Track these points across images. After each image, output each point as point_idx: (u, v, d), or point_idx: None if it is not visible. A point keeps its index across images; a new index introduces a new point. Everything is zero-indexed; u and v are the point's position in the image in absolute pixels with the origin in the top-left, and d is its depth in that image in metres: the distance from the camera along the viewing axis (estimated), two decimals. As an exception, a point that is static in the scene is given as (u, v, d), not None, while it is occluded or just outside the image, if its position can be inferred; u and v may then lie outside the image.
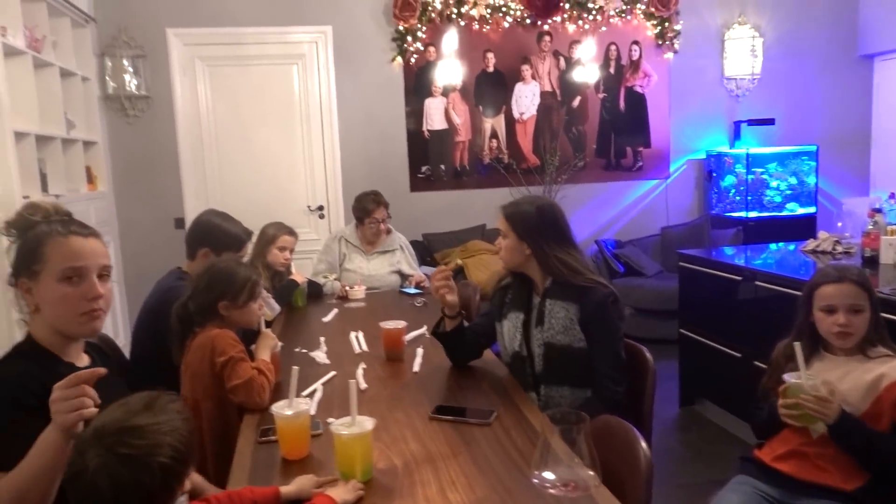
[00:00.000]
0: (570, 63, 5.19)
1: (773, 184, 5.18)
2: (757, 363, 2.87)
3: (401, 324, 2.28)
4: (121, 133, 4.74)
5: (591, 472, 1.11)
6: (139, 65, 4.66)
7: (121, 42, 4.62)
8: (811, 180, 5.22)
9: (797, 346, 1.70)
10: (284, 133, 4.94)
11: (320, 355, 2.29)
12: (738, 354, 3.10)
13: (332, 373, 2.10)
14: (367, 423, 1.40)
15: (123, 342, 3.66)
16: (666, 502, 2.65)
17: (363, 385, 1.97)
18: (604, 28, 5.16)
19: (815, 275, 1.87)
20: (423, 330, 2.55)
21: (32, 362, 1.31)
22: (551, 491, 1.12)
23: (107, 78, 4.62)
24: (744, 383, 2.99)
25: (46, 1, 3.80)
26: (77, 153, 4.17)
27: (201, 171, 4.88)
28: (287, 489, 1.33)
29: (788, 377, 1.70)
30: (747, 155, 5.06)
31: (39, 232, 1.36)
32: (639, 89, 5.30)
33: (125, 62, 4.62)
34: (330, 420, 1.73)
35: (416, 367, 2.15)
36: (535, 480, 1.13)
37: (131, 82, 4.66)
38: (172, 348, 1.96)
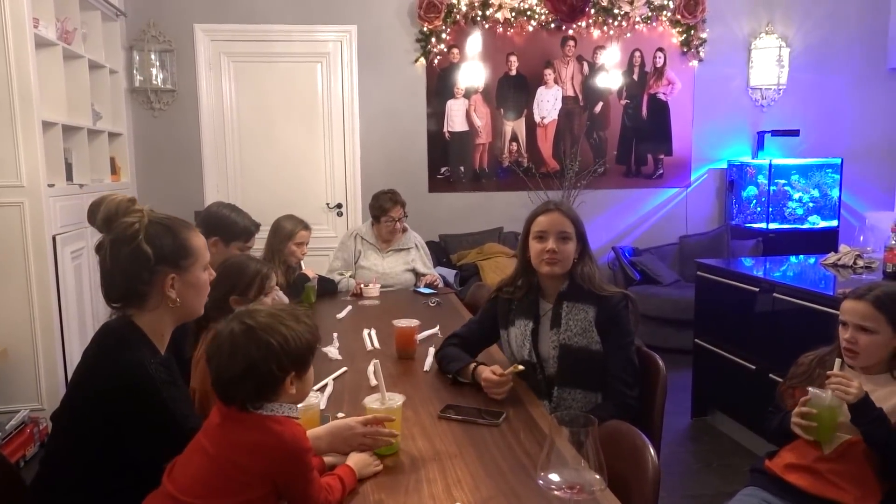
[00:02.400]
0: (594, 68, 5.18)
1: (796, 196, 5.12)
2: (772, 376, 2.83)
3: (413, 322, 2.29)
4: (145, 125, 4.80)
5: (598, 476, 1.11)
6: (166, 59, 4.73)
7: (149, 36, 4.69)
8: (834, 193, 5.16)
9: (837, 362, 1.71)
10: (306, 130, 4.98)
11: (332, 351, 2.30)
12: (754, 367, 3.06)
13: (344, 368, 2.12)
14: (397, 398, 1.53)
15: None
16: (674, 513, 2.63)
17: (374, 382, 1.99)
18: (629, 34, 5.14)
19: (853, 288, 1.86)
20: (436, 329, 2.56)
21: (150, 351, 1.36)
22: (556, 493, 1.12)
23: (134, 71, 4.70)
24: (758, 396, 2.96)
25: (78, -6, 3.88)
26: (102, 144, 4.24)
27: (223, 165, 4.93)
28: (328, 459, 1.42)
29: (812, 389, 1.68)
30: (770, 165, 5.01)
31: (172, 226, 1.41)
32: (662, 97, 5.27)
33: (152, 56, 4.69)
34: (340, 414, 1.75)
35: (426, 367, 2.16)
36: (541, 482, 1.13)
37: (158, 76, 4.73)
38: (185, 342, 1.98)
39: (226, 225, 2.54)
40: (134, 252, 1.35)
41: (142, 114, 4.79)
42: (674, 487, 2.83)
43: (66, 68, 3.71)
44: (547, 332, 1.99)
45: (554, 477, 1.12)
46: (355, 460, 1.39)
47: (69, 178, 3.71)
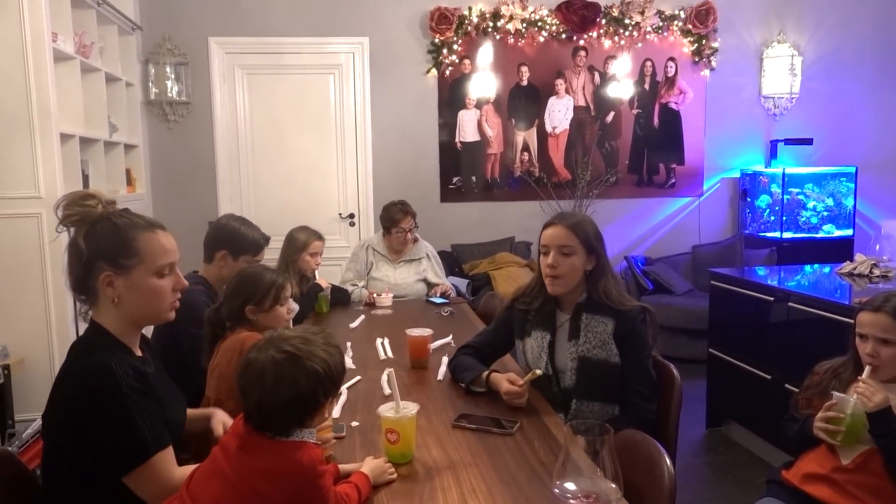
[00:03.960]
0: (605, 78, 5.18)
1: (810, 205, 5.09)
2: (788, 386, 2.81)
3: (427, 332, 2.29)
4: (161, 137, 4.86)
5: (613, 485, 1.11)
6: (181, 72, 4.79)
7: (164, 49, 4.75)
8: (849, 202, 5.12)
9: (868, 368, 1.70)
10: (319, 141, 5.02)
11: (346, 360, 2.30)
12: (769, 376, 3.04)
13: (357, 378, 2.13)
14: (411, 407, 1.53)
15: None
16: (690, 524, 2.61)
17: (387, 391, 1.99)
18: (640, 44, 5.14)
19: (867, 299, 1.84)
20: (449, 339, 2.56)
21: (119, 355, 1.34)
22: (572, 502, 1.11)
23: (150, 84, 4.76)
24: (773, 406, 2.93)
25: (96, 9, 3.94)
26: (118, 156, 4.29)
27: (237, 176, 4.97)
28: (344, 466, 1.42)
29: (837, 393, 1.67)
30: (783, 174, 4.98)
31: (122, 225, 1.37)
32: (674, 106, 5.27)
33: (168, 69, 4.75)
34: (354, 423, 1.76)
35: (440, 376, 2.16)
36: (556, 491, 1.13)
37: (173, 88, 4.78)
38: (198, 351, 2.00)
39: (235, 238, 2.54)
40: (72, 245, 1.37)
41: (157, 126, 4.85)
42: (689, 499, 2.80)
43: (84, 81, 3.77)
44: (564, 344, 1.97)
45: (569, 486, 1.12)
46: (370, 467, 1.39)
47: (86, 188, 3.76)
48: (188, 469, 1.28)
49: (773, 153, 5.26)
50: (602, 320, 1.92)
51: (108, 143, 4.11)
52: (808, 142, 5.15)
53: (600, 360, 1.89)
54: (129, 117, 4.49)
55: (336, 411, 1.80)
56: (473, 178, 5.19)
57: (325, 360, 1.20)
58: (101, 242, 1.35)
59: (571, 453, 1.13)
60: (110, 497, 1.28)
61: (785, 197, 5.00)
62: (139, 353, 1.44)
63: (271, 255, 2.82)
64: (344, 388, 2.00)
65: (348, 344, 2.50)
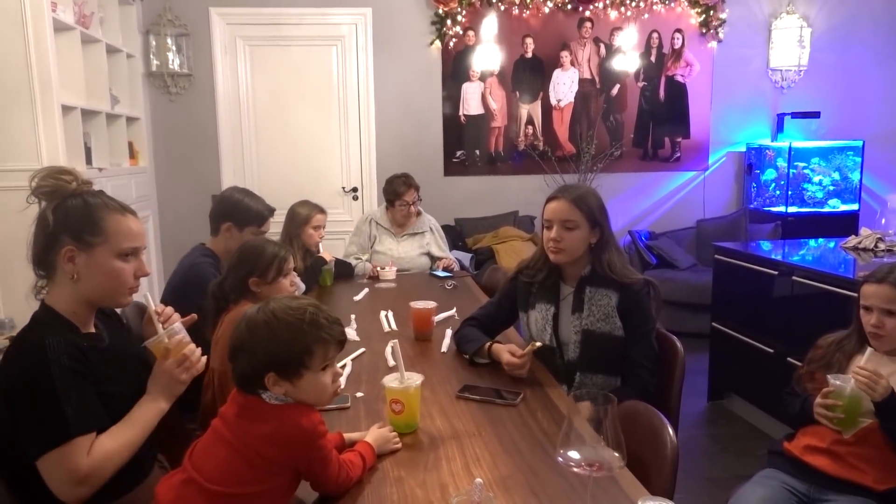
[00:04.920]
0: (611, 50, 5.12)
1: (816, 179, 5.05)
2: (790, 360, 2.82)
3: (430, 304, 2.30)
4: (163, 110, 4.83)
5: (616, 454, 1.11)
6: (182, 43, 4.74)
7: (165, 20, 4.69)
8: (855, 176, 5.08)
9: (868, 352, 1.68)
10: (321, 114, 4.98)
11: (350, 332, 2.31)
12: (771, 350, 3.05)
13: (362, 349, 2.14)
14: (416, 378, 1.54)
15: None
16: (690, 495, 2.63)
17: (392, 363, 2.00)
18: (646, 15, 5.07)
19: (870, 271, 1.84)
20: (453, 312, 2.57)
21: (61, 333, 1.31)
22: (575, 470, 1.12)
23: (151, 55, 4.71)
24: (776, 379, 2.94)
25: (95, -22, 3.89)
26: (120, 128, 4.27)
27: (239, 149, 4.95)
28: (348, 435, 1.44)
29: (833, 379, 1.67)
30: (790, 148, 4.94)
31: (93, 204, 1.36)
32: (680, 79, 5.21)
33: (169, 40, 4.70)
34: (359, 394, 1.77)
35: (444, 348, 2.17)
36: (560, 459, 1.13)
37: (174, 60, 4.74)
38: (205, 324, 2.00)
39: (239, 210, 2.53)
40: (40, 216, 1.36)
41: (159, 98, 4.82)
42: (690, 470, 2.83)
43: (84, 52, 3.73)
44: (568, 317, 1.97)
45: (573, 454, 1.12)
46: (375, 436, 1.41)
47: (88, 161, 3.74)
48: (99, 457, 1.25)
49: (779, 127, 5.21)
50: (606, 293, 1.92)
51: (110, 115, 4.08)
52: (816, 115, 5.09)
53: (604, 333, 1.90)
54: (130, 89, 4.45)
55: (341, 382, 1.81)
56: (477, 152, 5.16)
57: (306, 308, 1.21)
58: (69, 217, 1.34)
59: (575, 423, 1.13)
60: (35, 483, 1.25)
61: (791, 171, 4.96)
62: (91, 330, 1.41)
63: (273, 230, 2.82)
64: (348, 360, 2.02)
65: (352, 316, 2.51)
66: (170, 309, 1.51)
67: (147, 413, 1.37)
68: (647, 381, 1.87)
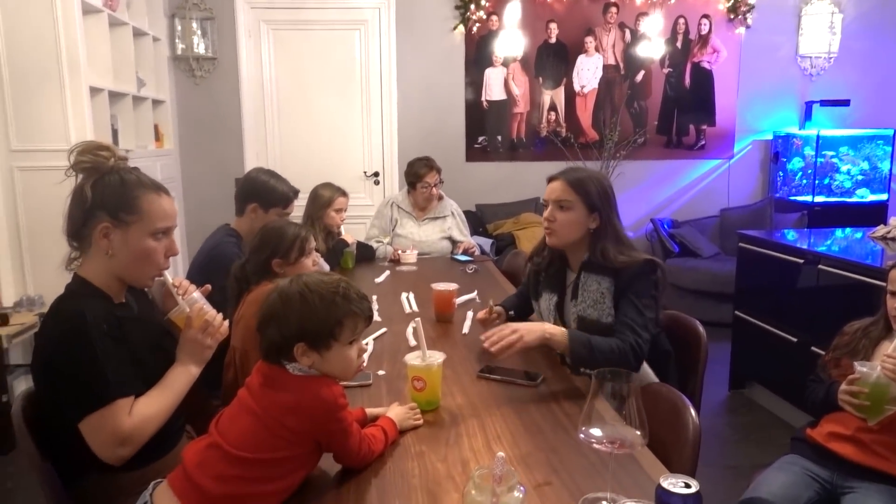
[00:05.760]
0: (636, 36, 5.06)
1: (844, 168, 4.96)
2: (814, 349, 2.79)
3: (452, 286, 2.30)
4: (188, 93, 4.87)
5: (638, 433, 1.11)
6: (207, 27, 4.77)
7: (190, 4, 4.73)
8: (885, 166, 4.98)
9: None
10: (344, 98, 4.99)
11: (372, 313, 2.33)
12: (795, 339, 3.01)
13: (383, 329, 2.16)
14: (437, 356, 1.55)
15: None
16: (710, 483, 2.60)
17: (413, 343, 2.02)
18: (673, 0, 4.99)
19: None
20: (474, 294, 2.57)
21: (97, 302, 1.36)
22: (597, 446, 1.12)
23: (176, 39, 4.75)
24: (799, 369, 2.91)
25: (122, -39, 3.92)
26: (146, 111, 4.32)
27: (262, 133, 4.98)
28: (371, 410, 1.45)
29: (859, 366, 1.65)
30: (818, 137, 4.86)
31: (129, 182, 1.39)
32: (706, 65, 5.14)
33: (194, 24, 4.74)
34: (381, 371, 1.79)
35: (465, 329, 2.18)
36: (582, 436, 1.14)
37: (199, 44, 4.77)
38: (226, 304, 2.03)
39: (265, 191, 2.55)
40: (77, 191, 1.38)
41: (184, 81, 4.86)
42: (710, 458, 2.82)
43: (112, 35, 3.78)
44: (569, 305, 1.93)
45: (595, 431, 1.13)
46: (396, 412, 1.42)
47: (115, 143, 3.80)
48: (139, 419, 1.29)
49: (807, 115, 5.12)
50: (596, 279, 1.83)
51: (137, 98, 4.13)
52: (845, 103, 5.00)
53: (593, 319, 1.82)
54: (156, 72, 4.50)
55: (364, 359, 1.82)
56: (499, 138, 5.14)
57: (338, 282, 1.23)
58: (106, 193, 1.36)
59: (596, 402, 1.13)
60: (77, 444, 1.29)
61: (818, 160, 4.88)
62: (123, 301, 1.45)
63: (296, 213, 2.84)
64: (370, 339, 2.04)
65: (374, 297, 2.52)
66: (186, 281, 1.55)
67: (180, 378, 1.40)
68: (632, 338, 1.73)
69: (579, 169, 1.96)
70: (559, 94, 5.12)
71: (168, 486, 1.18)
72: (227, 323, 1.50)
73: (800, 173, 5.04)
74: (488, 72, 5.04)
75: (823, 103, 5.02)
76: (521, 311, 2.20)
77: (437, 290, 2.28)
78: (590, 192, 1.85)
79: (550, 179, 1.93)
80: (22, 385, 3.43)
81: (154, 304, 1.61)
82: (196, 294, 1.49)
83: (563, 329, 1.75)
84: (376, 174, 5.08)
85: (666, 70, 5.14)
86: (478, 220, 4.90)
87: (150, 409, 1.32)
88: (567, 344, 1.70)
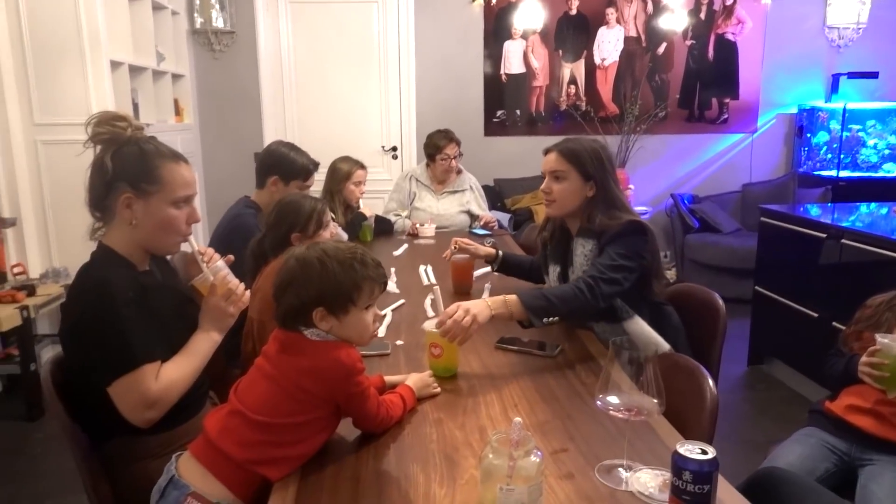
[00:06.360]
0: (658, 7, 4.96)
1: (871, 142, 4.86)
2: (835, 324, 2.76)
3: (469, 257, 2.31)
4: (207, 67, 4.88)
5: (655, 401, 1.12)
6: (225, 0, 4.76)
7: (208, -23, 4.71)
8: (914, 140, 4.87)
9: None
10: (362, 72, 4.97)
11: (391, 285, 2.35)
12: (815, 314, 2.99)
13: (402, 301, 2.17)
14: None
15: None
16: (727, 457, 2.59)
17: (431, 313, 2.03)
18: (697, -30, 4.89)
19: None
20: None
21: (122, 270, 1.39)
22: (613, 414, 1.13)
23: (195, 13, 4.75)
24: (819, 344, 2.89)
25: (140, -67, 3.91)
26: (166, 85, 4.34)
27: (280, 107, 4.99)
28: (389, 377, 1.47)
29: (881, 337, 1.63)
30: (844, 110, 4.75)
31: (148, 151, 1.40)
32: (730, 37, 5.03)
33: (212, -3, 4.73)
34: (399, 342, 1.81)
35: (483, 301, 2.18)
36: (599, 403, 1.14)
37: (218, 18, 4.76)
38: (243, 276, 2.05)
39: (285, 163, 2.56)
40: (97, 162, 1.40)
41: (203, 55, 4.86)
42: (728, 433, 2.82)
43: (131, 8, 3.79)
44: (570, 273, 1.96)
45: (612, 399, 1.13)
46: (415, 380, 1.44)
47: (136, 117, 3.82)
48: (165, 383, 1.32)
49: (834, 88, 5.00)
50: (582, 242, 1.89)
51: (156, 72, 4.15)
52: (874, 75, 4.88)
53: None
54: (175, 46, 4.51)
55: (381, 331, 1.84)
56: (518, 112, 5.10)
57: (355, 248, 1.26)
58: (126, 164, 1.38)
59: (613, 370, 1.14)
60: (105, 408, 1.33)
61: (844, 134, 4.78)
62: (146, 269, 1.47)
63: (314, 188, 2.84)
64: (388, 310, 2.05)
65: (392, 270, 2.54)
66: (211, 249, 1.57)
67: (203, 344, 1.43)
68: (585, 276, 1.74)
69: (574, 139, 1.97)
70: (579, 67, 5.05)
71: (192, 455, 1.21)
72: (248, 293, 1.53)
73: (825, 147, 4.94)
74: (507, 44, 4.98)
75: (851, 76, 4.90)
76: (518, 274, 2.31)
77: (455, 261, 2.29)
78: (583, 161, 1.88)
79: (546, 152, 1.96)
80: (48, 353, 3.51)
81: (176, 271, 1.64)
82: (220, 262, 1.52)
83: (511, 295, 1.71)
84: (394, 148, 5.07)
85: (689, 42, 5.04)
86: (496, 195, 4.89)
87: (175, 373, 1.36)
88: (521, 306, 1.68)
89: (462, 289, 2.28)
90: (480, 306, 1.63)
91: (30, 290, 3.10)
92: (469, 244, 2.33)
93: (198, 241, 1.55)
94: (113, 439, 1.37)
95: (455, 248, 2.32)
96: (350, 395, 1.21)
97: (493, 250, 2.34)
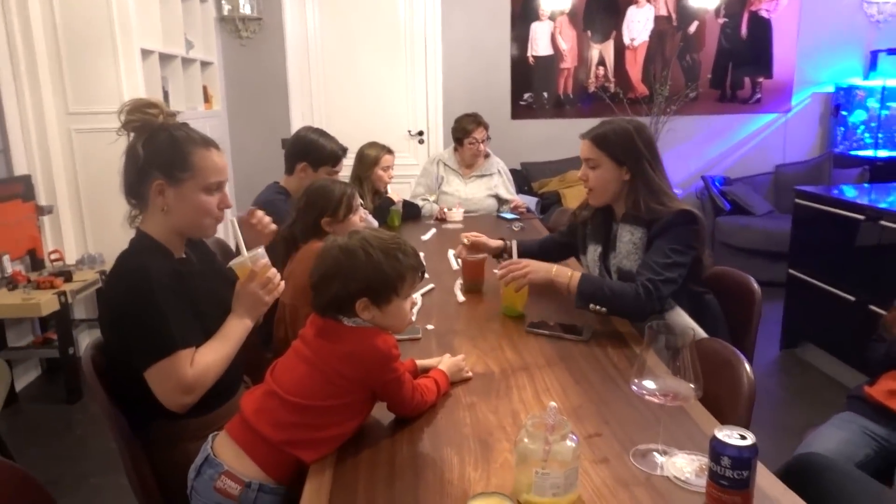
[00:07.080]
0: (689, -15, 4.85)
1: (911, 121, 4.72)
2: (872, 308, 2.70)
3: (481, 256, 2.23)
4: (234, 54, 4.91)
5: (692, 386, 1.10)
6: (252, -14, 4.77)
7: (235, -37, 4.73)
8: (956, 118, 4.72)
9: None
10: (389, 57, 4.95)
11: (419, 269, 2.35)
12: (852, 298, 2.92)
13: (431, 285, 2.17)
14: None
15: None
16: (761, 443, 2.58)
17: (461, 298, 2.03)
18: (730, -55, 4.76)
19: None
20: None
21: (159, 257, 1.41)
22: (649, 398, 1.12)
23: (222, 0, 4.76)
24: (856, 328, 2.84)
25: (168, -79, 3.93)
26: (195, 73, 4.37)
27: (308, 93, 5.00)
28: (421, 362, 1.47)
29: None
30: (883, 88, 4.61)
31: (179, 138, 1.41)
32: (764, 13, 4.90)
33: (239, -17, 4.74)
34: (429, 326, 1.81)
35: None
36: (634, 387, 1.14)
37: (245, 5, 4.78)
38: (276, 264, 2.07)
39: (313, 149, 2.57)
40: (130, 149, 1.41)
41: (230, 42, 4.89)
42: (763, 418, 2.78)
43: (160, -3, 3.82)
44: (611, 256, 1.94)
45: (648, 383, 1.12)
46: (448, 365, 1.44)
47: (167, 105, 3.86)
48: (200, 369, 1.34)
49: (872, 65, 4.86)
50: (629, 229, 1.85)
51: (186, 59, 4.19)
52: (915, 51, 4.73)
53: (628, 270, 1.83)
54: (203, 34, 4.54)
55: (412, 316, 1.85)
56: (545, 95, 5.04)
57: (396, 238, 1.27)
58: (158, 151, 1.39)
59: (649, 354, 1.13)
60: (144, 392, 1.35)
61: (883, 112, 4.65)
62: (182, 256, 1.49)
63: (343, 173, 2.85)
64: (418, 295, 2.06)
65: (421, 255, 2.52)
66: (260, 212, 1.58)
67: (236, 329, 1.45)
68: (643, 277, 1.71)
69: (608, 122, 1.91)
70: (608, 48, 4.98)
71: (228, 435, 1.23)
72: (283, 283, 1.54)
73: (862, 127, 4.81)
74: (534, 26, 4.92)
75: (891, 52, 4.75)
76: (559, 248, 2.25)
77: (467, 260, 2.21)
78: (613, 146, 1.85)
79: (582, 137, 1.93)
80: (85, 338, 3.60)
81: (214, 256, 1.66)
82: (261, 250, 1.53)
83: (577, 273, 1.77)
84: (421, 133, 5.06)
85: (721, 20, 4.93)
86: (523, 179, 4.86)
87: (209, 358, 1.38)
88: (576, 285, 1.74)
89: (474, 286, 2.18)
90: (543, 267, 1.78)
91: (67, 276, 3.17)
92: (478, 237, 2.22)
93: (227, 225, 1.57)
94: (152, 423, 1.40)
95: (467, 242, 2.21)
96: (386, 381, 1.22)
97: (501, 242, 2.26)
